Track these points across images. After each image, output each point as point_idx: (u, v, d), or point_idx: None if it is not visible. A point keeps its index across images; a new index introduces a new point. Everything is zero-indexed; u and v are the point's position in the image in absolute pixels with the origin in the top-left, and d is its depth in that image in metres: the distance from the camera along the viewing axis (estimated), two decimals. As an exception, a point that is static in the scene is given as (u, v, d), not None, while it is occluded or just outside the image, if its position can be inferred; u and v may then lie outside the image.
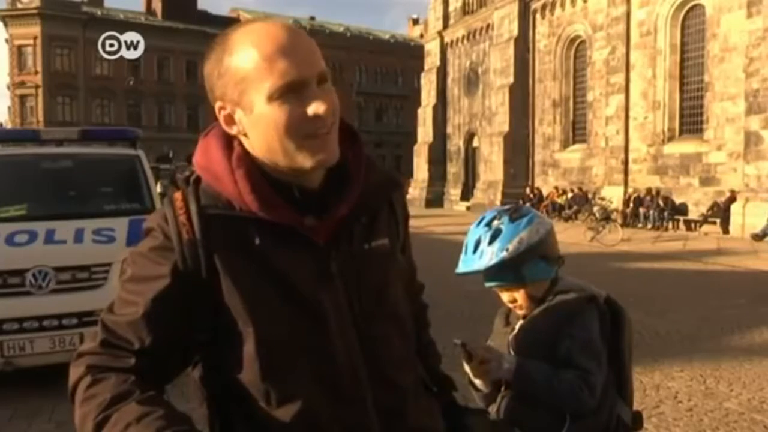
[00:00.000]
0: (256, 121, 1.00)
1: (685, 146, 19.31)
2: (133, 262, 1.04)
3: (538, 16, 25.86)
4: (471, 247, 1.69)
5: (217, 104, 1.03)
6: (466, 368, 1.63)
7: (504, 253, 1.63)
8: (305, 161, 1.00)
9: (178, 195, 1.03)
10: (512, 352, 1.71)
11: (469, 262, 1.68)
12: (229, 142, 1.05)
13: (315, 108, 0.97)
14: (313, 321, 1.03)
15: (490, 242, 1.65)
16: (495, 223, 1.68)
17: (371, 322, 1.08)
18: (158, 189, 6.72)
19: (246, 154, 1.04)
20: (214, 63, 1.02)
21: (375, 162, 1.15)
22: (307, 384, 1.02)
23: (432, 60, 33.65)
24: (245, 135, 1.03)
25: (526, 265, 1.66)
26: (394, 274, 1.16)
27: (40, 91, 42.94)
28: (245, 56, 0.98)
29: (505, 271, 1.66)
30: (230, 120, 1.03)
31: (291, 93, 0.97)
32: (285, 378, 1.01)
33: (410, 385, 1.15)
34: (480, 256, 1.66)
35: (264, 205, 1.01)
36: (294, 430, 1.01)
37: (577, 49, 24.49)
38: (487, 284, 1.74)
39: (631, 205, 19.94)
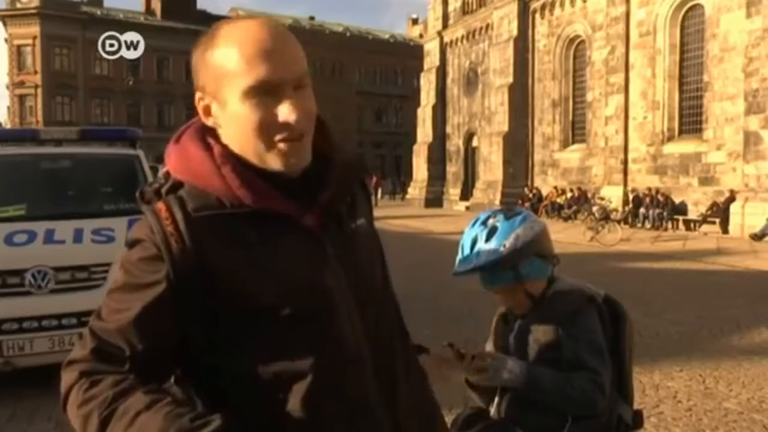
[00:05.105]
0: (230, 117, 1.02)
1: (685, 146, 19.32)
2: (123, 271, 1.03)
3: (537, 15, 25.87)
4: (467, 247, 1.70)
5: (197, 94, 1.06)
6: (458, 368, 1.64)
7: (502, 249, 1.64)
8: (274, 163, 1.02)
9: (161, 205, 1.02)
10: (513, 353, 1.71)
11: (467, 262, 1.69)
12: (205, 142, 1.06)
13: (285, 115, 0.99)
14: (321, 305, 1.04)
15: (487, 239, 1.66)
16: (490, 221, 1.69)
17: (368, 301, 1.11)
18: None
19: (227, 150, 1.04)
20: (199, 54, 1.04)
21: (339, 143, 1.17)
22: (314, 374, 1.02)
23: (431, 60, 33.62)
24: (220, 127, 1.05)
25: (522, 263, 1.67)
26: (377, 252, 1.20)
27: (39, 90, 42.94)
28: (227, 52, 1.00)
29: (503, 270, 1.67)
30: (207, 111, 1.06)
31: (264, 95, 0.99)
32: (293, 370, 1.01)
33: (403, 362, 1.18)
34: (477, 254, 1.67)
35: (257, 196, 1.01)
36: (298, 423, 1.01)
37: (576, 49, 24.49)
38: (486, 286, 1.74)
39: (631, 204, 19.95)
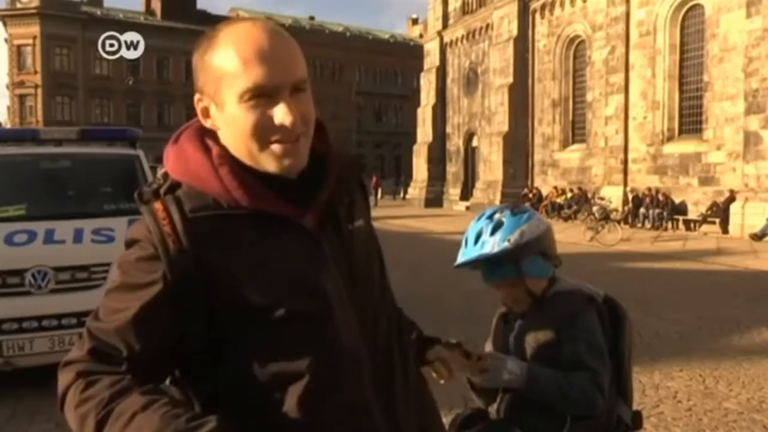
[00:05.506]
0: (226, 119, 1.03)
1: (685, 146, 19.32)
2: (121, 271, 1.03)
3: (537, 15, 25.87)
4: (472, 239, 1.70)
5: (196, 96, 1.06)
6: (463, 367, 1.63)
7: (506, 244, 1.65)
8: (269, 165, 1.03)
9: (158, 206, 1.02)
10: (513, 353, 1.71)
11: (470, 253, 1.70)
12: (203, 143, 1.06)
13: (281, 118, 0.99)
14: (318, 306, 1.04)
15: (492, 233, 1.67)
16: (497, 216, 1.70)
17: (365, 302, 1.11)
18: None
19: (225, 151, 1.05)
20: (199, 56, 1.05)
21: (337, 144, 1.17)
22: (311, 374, 1.02)
23: (431, 60, 33.62)
24: (218, 129, 1.06)
25: (525, 260, 1.67)
26: (375, 253, 1.20)
27: (39, 90, 42.94)
28: (225, 54, 1.01)
29: (506, 264, 1.68)
30: (206, 113, 1.07)
31: (261, 97, 0.99)
32: (290, 371, 1.01)
33: (401, 363, 1.18)
34: (481, 246, 1.67)
35: (254, 197, 1.02)
36: (295, 423, 1.01)
37: (576, 49, 24.49)
38: (487, 280, 1.74)
39: (631, 204, 19.95)
